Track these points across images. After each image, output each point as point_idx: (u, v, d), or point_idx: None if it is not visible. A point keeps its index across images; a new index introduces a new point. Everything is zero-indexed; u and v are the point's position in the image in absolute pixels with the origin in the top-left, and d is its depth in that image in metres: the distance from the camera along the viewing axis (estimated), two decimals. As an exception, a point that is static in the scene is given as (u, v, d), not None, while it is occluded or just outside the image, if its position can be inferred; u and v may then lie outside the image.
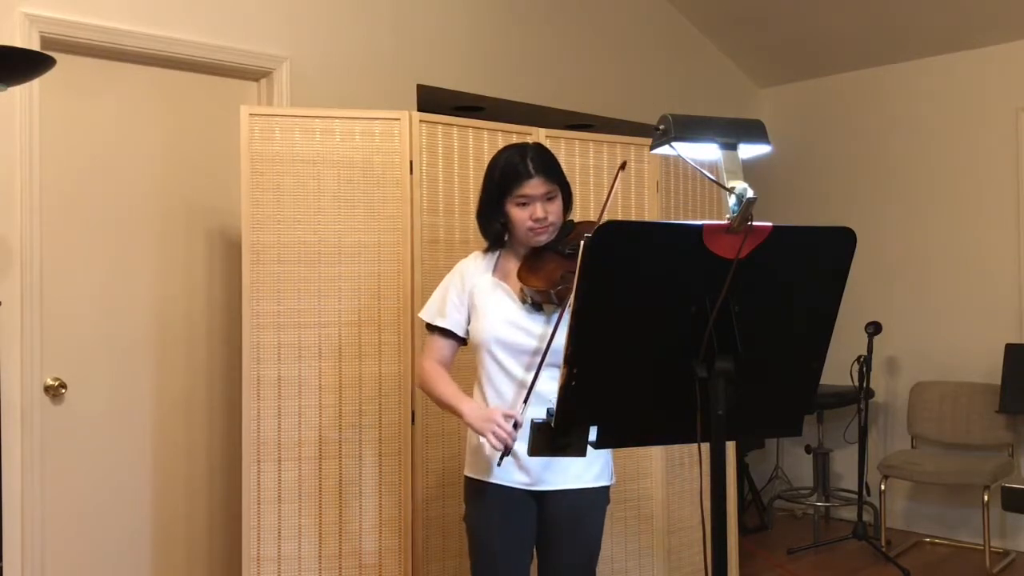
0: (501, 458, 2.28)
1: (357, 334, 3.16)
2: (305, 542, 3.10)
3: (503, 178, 2.36)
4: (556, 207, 2.39)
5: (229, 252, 3.62)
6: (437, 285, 2.55)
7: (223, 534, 3.62)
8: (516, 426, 2.23)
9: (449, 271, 2.55)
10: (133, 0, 3.33)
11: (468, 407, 2.36)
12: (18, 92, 3.03)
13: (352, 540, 3.14)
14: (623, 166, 2.55)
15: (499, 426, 2.22)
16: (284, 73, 3.71)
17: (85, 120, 3.32)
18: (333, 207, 3.15)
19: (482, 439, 2.31)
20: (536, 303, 2.36)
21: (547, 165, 2.38)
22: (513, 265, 2.44)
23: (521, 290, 2.38)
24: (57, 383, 3.21)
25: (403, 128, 3.21)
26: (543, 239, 2.38)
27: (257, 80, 3.74)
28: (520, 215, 2.36)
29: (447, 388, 2.43)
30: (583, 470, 2.39)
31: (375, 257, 3.18)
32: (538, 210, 2.35)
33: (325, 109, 3.35)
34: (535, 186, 2.34)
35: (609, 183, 3.63)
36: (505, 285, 2.42)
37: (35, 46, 3.06)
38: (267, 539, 3.08)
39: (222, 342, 3.62)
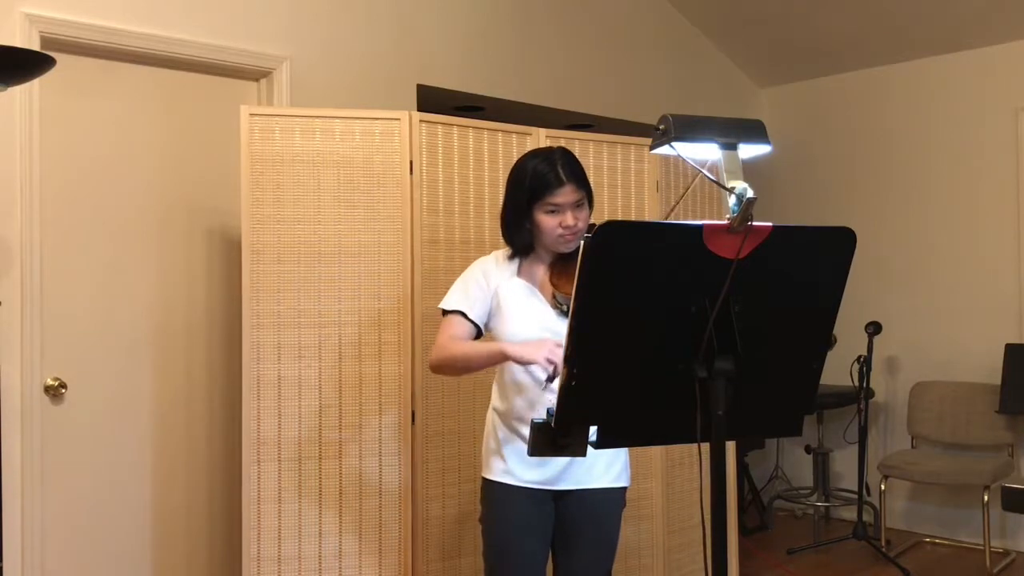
0: (549, 381, 2.17)
1: (357, 334, 3.16)
2: (305, 542, 3.10)
3: (533, 186, 2.33)
4: (585, 214, 2.38)
5: (229, 252, 3.62)
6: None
7: (223, 534, 3.62)
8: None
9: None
10: (133, 0, 3.33)
11: (509, 344, 2.27)
12: (18, 92, 3.03)
13: (352, 540, 3.14)
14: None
15: (552, 351, 2.13)
16: (284, 73, 3.71)
17: (85, 120, 3.32)
18: (333, 207, 3.15)
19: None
20: (569, 309, 2.35)
21: (577, 172, 2.36)
22: (539, 271, 2.43)
23: (553, 296, 2.37)
24: (57, 383, 3.21)
25: (403, 128, 3.22)
26: (572, 246, 2.37)
27: (257, 80, 3.74)
28: (550, 223, 2.34)
29: (472, 344, 2.34)
30: (604, 470, 2.39)
31: (375, 257, 3.18)
32: (568, 218, 2.33)
33: (325, 109, 3.35)
34: (567, 194, 2.32)
35: (610, 183, 3.63)
36: (536, 290, 2.41)
37: (35, 46, 3.06)
38: (267, 539, 3.08)
39: (222, 342, 3.62)
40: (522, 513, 2.39)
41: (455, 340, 2.38)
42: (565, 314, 2.35)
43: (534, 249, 2.44)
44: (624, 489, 2.46)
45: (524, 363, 2.24)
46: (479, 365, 2.38)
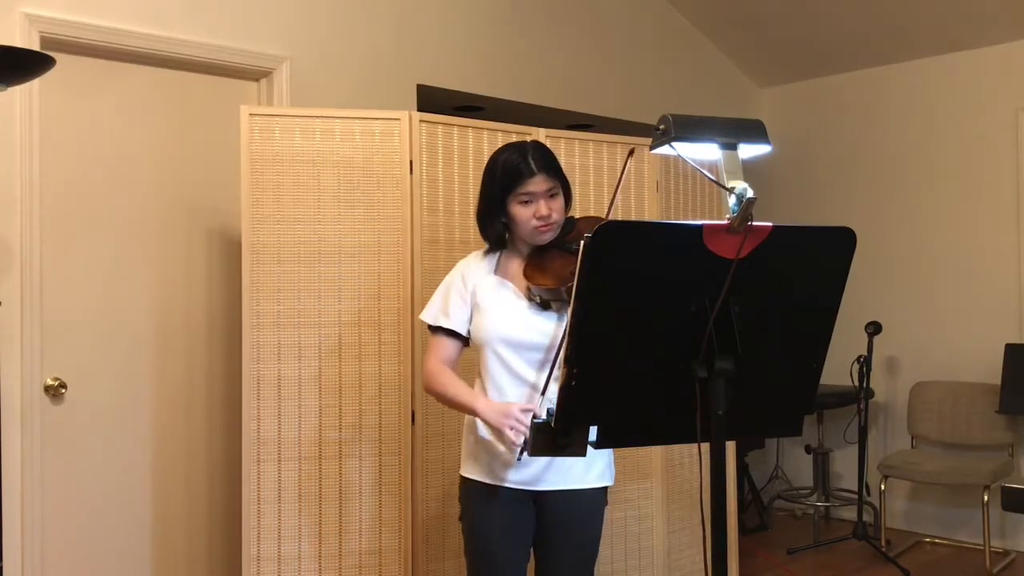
0: (520, 453, 2.24)
1: (357, 334, 3.16)
2: (305, 542, 3.11)
3: (504, 177, 2.34)
4: (559, 204, 2.37)
5: (229, 252, 3.62)
6: (437, 285, 2.54)
7: (223, 534, 3.62)
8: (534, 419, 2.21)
9: (449, 271, 2.54)
10: (133, 0, 3.34)
11: (483, 404, 2.33)
12: (18, 92, 3.03)
13: (352, 540, 3.14)
14: (631, 153, 2.51)
15: (518, 420, 2.20)
16: (284, 73, 3.71)
17: (85, 120, 3.32)
18: (333, 207, 3.15)
19: (485, 435, 2.29)
20: (544, 301, 2.35)
21: (548, 162, 2.36)
22: (515, 264, 2.43)
23: (528, 289, 2.37)
24: (57, 383, 3.21)
25: (403, 128, 3.21)
26: (548, 237, 2.37)
27: (257, 80, 3.74)
28: (523, 213, 2.34)
29: (457, 387, 2.40)
30: (585, 470, 2.38)
31: (375, 257, 3.18)
32: (542, 208, 2.33)
33: (325, 109, 3.35)
34: (538, 183, 2.32)
35: (609, 183, 3.63)
36: (510, 284, 2.41)
37: (35, 46, 3.06)
38: (267, 539, 3.08)
39: (222, 342, 3.62)
40: (502, 513, 2.38)
41: (442, 370, 2.44)
42: (540, 307, 2.36)
43: (509, 243, 2.45)
44: (606, 489, 2.44)
45: (490, 427, 2.31)
46: (456, 408, 2.47)
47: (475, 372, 2.48)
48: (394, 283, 3.19)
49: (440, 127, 3.31)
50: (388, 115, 3.23)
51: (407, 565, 3.16)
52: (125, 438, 3.40)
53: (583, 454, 1.85)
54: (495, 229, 2.42)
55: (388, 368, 3.18)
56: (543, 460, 2.33)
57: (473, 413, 2.36)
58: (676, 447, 3.69)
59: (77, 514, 3.28)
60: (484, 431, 2.39)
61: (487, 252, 2.48)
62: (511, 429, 2.21)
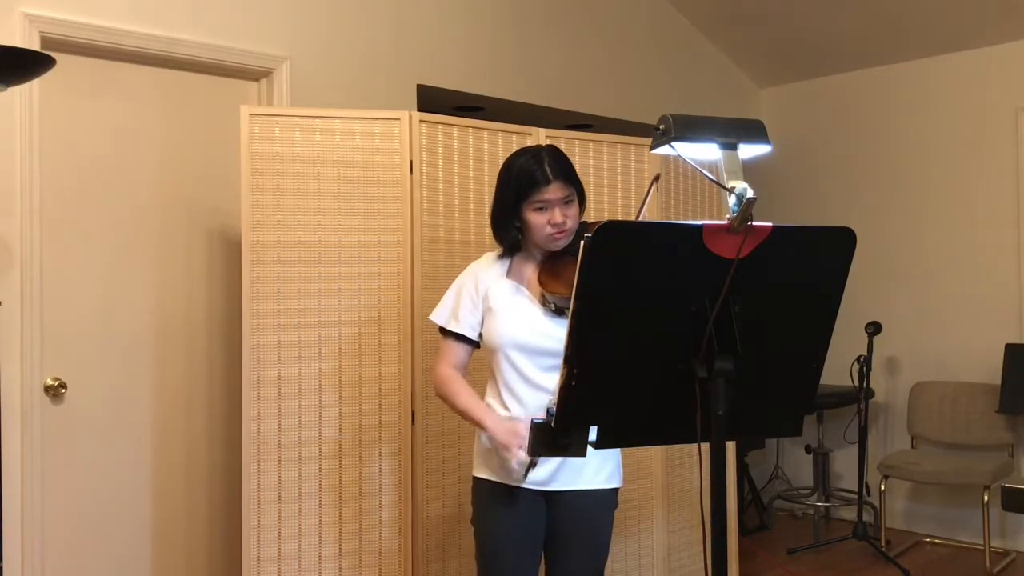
0: (527, 472, 2.27)
1: (357, 334, 3.16)
2: (305, 542, 3.11)
3: (520, 184, 2.33)
4: (574, 211, 2.37)
5: (229, 252, 3.62)
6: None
7: (223, 534, 3.62)
8: None
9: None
10: (133, 0, 3.34)
11: (493, 421, 2.34)
12: (18, 92, 3.03)
13: (352, 540, 3.14)
14: (656, 179, 2.53)
15: (524, 438, 2.21)
16: (284, 73, 3.71)
17: (85, 120, 3.32)
18: (333, 207, 3.15)
19: (487, 445, 2.29)
20: (559, 308, 2.34)
21: (564, 169, 2.35)
22: (528, 268, 2.43)
23: (543, 296, 2.36)
24: (57, 383, 3.21)
25: (403, 128, 3.22)
26: (562, 243, 2.37)
27: (257, 80, 3.74)
28: (538, 220, 2.33)
29: (468, 399, 2.40)
30: (595, 471, 2.38)
31: (375, 257, 3.18)
32: (557, 215, 2.32)
33: (325, 109, 3.35)
34: (553, 191, 2.31)
35: (609, 183, 3.63)
36: (524, 289, 2.41)
37: (35, 46, 3.06)
38: (267, 539, 3.08)
39: (222, 342, 3.62)
40: (514, 514, 2.38)
41: (454, 377, 2.44)
42: (554, 313, 2.35)
43: (523, 248, 2.44)
44: (616, 490, 2.45)
45: (498, 445, 2.31)
46: (464, 419, 2.47)
47: (486, 373, 2.48)
48: (394, 283, 3.19)
49: (440, 127, 3.31)
50: (388, 115, 3.23)
51: (407, 565, 3.16)
52: (125, 438, 3.40)
53: (583, 454, 1.85)
54: (510, 234, 2.41)
55: (388, 368, 3.18)
56: (555, 461, 2.33)
57: (482, 428, 2.36)
58: (676, 447, 3.69)
59: (77, 514, 3.28)
60: (486, 441, 2.39)
61: (500, 255, 2.47)
62: (519, 447, 2.22)
